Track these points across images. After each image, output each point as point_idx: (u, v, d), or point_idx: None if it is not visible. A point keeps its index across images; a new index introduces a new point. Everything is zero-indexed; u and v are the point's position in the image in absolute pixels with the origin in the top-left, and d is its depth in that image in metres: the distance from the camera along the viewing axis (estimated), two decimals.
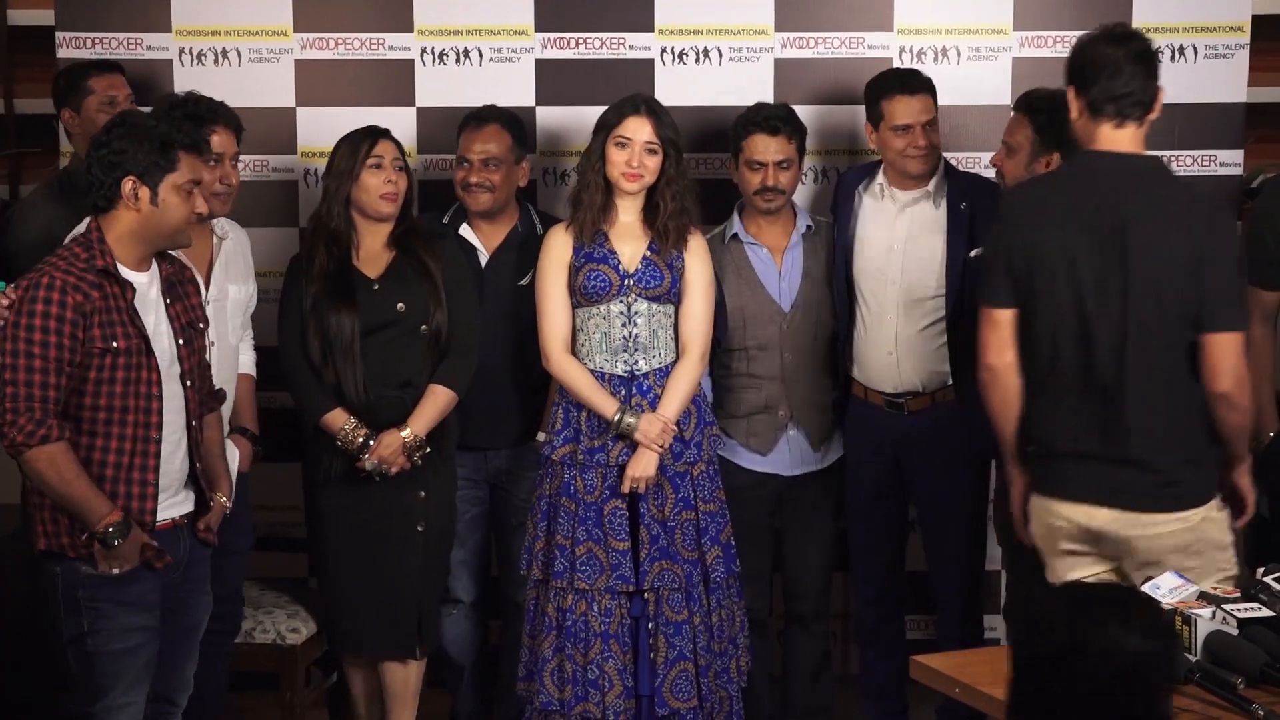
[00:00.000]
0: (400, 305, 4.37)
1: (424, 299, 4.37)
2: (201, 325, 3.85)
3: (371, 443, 4.32)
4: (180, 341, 3.74)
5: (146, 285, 3.70)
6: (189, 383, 3.75)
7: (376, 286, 4.38)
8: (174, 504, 3.77)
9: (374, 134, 4.39)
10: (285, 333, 4.40)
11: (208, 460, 3.91)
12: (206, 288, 4.18)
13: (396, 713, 4.57)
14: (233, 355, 4.31)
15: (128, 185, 3.61)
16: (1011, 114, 4.33)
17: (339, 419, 4.34)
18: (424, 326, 4.38)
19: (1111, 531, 3.69)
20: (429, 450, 4.37)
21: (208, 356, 3.97)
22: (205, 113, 4.14)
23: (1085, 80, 3.66)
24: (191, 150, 3.65)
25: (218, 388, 4.03)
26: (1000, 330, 3.74)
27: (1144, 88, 3.64)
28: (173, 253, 3.95)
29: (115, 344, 3.58)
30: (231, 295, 4.29)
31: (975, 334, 3.85)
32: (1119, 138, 3.65)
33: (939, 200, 4.56)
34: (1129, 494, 3.65)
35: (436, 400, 4.38)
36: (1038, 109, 4.22)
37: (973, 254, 4.49)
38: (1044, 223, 3.67)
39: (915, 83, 4.53)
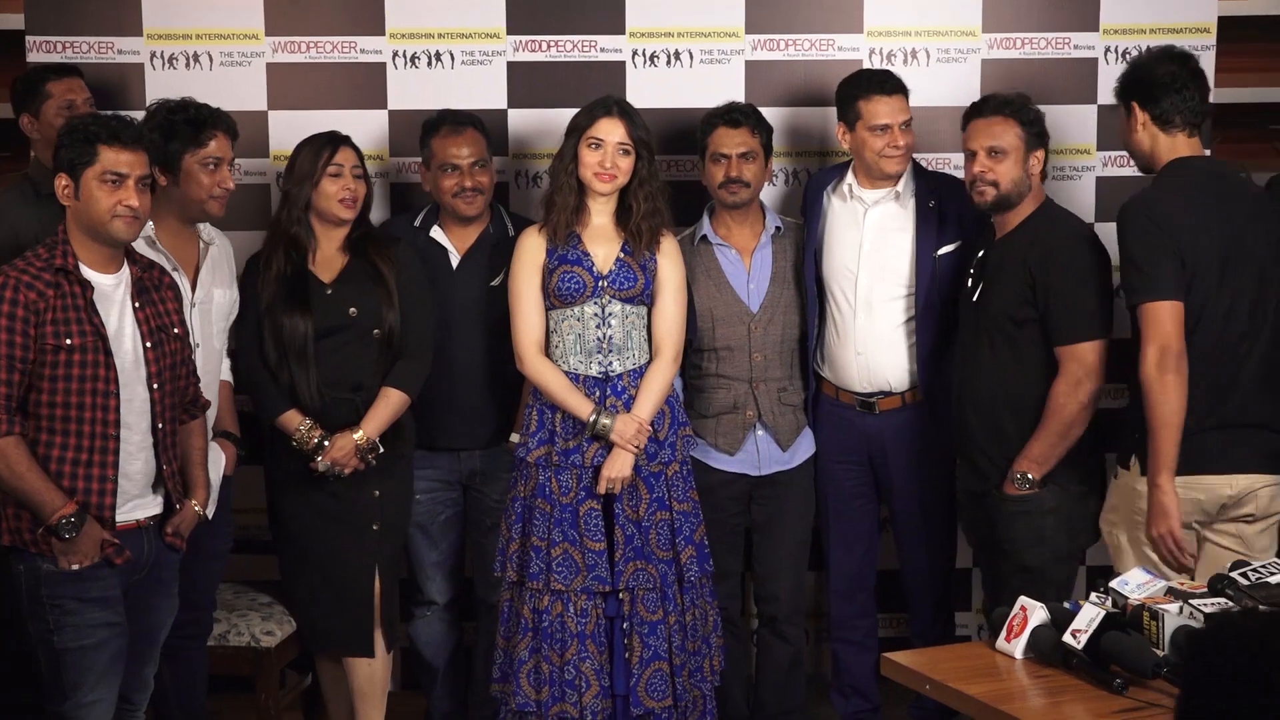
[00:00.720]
0: (353, 310, 4.42)
1: (376, 303, 4.42)
2: (176, 330, 3.86)
3: (326, 444, 4.35)
4: (148, 344, 3.76)
5: (112, 286, 3.74)
6: (156, 385, 3.77)
7: (330, 291, 4.43)
8: (139, 505, 3.80)
9: (335, 141, 4.43)
10: (243, 335, 4.44)
11: (185, 466, 3.94)
12: (193, 290, 4.21)
13: (363, 711, 4.60)
14: (217, 359, 4.34)
15: (60, 182, 3.70)
16: (979, 121, 4.27)
17: (294, 420, 4.39)
18: (376, 330, 4.42)
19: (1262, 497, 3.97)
20: (383, 451, 4.41)
21: (194, 359, 4.00)
22: (206, 117, 4.18)
23: (1152, 95, 4.01)
24: (112, 142, 3.68)
25: (204, 397, 4.06)
26: (1178, 318, 3.87)
27: (1204, 100, 4.06)
28: (156, 254, 3.99)
29: (69, 341, 3.63)
30: (216, 299, 4.32)
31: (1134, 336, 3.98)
32: (1194, 144, 4.05)
33: (906, 200, 4.59)
34: None
35: (389, 402, 4.42)
36: (1019, 107, 4.25)
37: (940, 252, 4.52)
38: (1196, 219, 3.90)
39: (892, 83, 4.56)
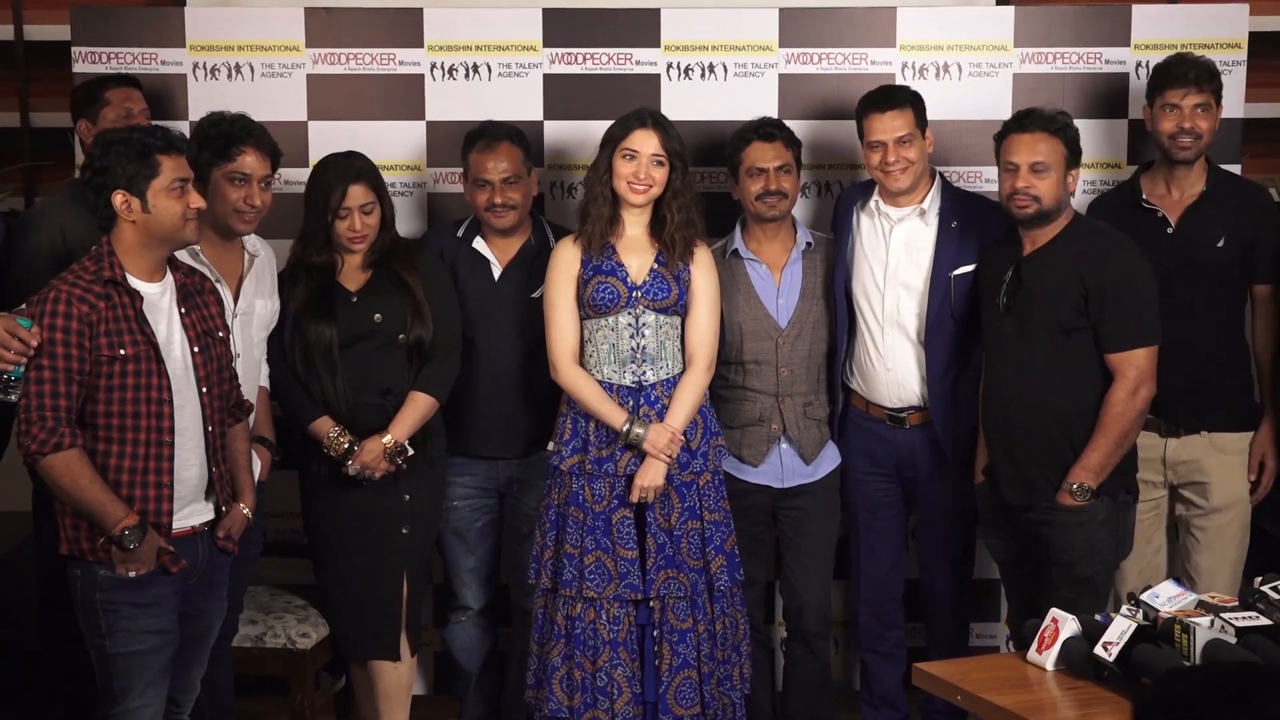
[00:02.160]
0: (378, 316, 4.47)
1: (401, 310, 4.47)
2: (220, 334, 3.92)
3: (355, 449, 4.41)
4: (195, 349, 3.82)
5: (158, 295, 3.79)
6: (205, 390, 3.83)
7: (355, 299, 4.49)
8: (192, 512, 3.85)
9: (344, 179, 4.44)
10: (274, 344, 4.49)
11: (233, 470, 4.00)
12: (235, 301, 4.26)
13: (388, 714, 4.64)
14: (256, 368, 4.39)
15: (119, 199, 3.71)
16: (1024, 136, 4.29)
17: (324, 426, 4.45)
18: (401, 336, 4.47)
19: None
20: (412, 454, 4.46)
21: (234, 366, 4.05)
22: (237, 132, 4.21)
23: None
24: (169, 151, 3.72)
25: (245, 399, 4.11)
26: None
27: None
28: (199, 266, 4.04)
29: (122, 351, 3.68)
30: (258, 310, 4.37)
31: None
32: None
33: (931, 218, 4.62)
34: None
35: (416, 406, 4.48)
36: (1061, 125, 4.30)
37: (957, 272, 4.56)
38: None
39: (888, 99, 4.57)
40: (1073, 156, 4.28)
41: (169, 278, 3.83)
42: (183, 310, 3.82)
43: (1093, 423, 4.18)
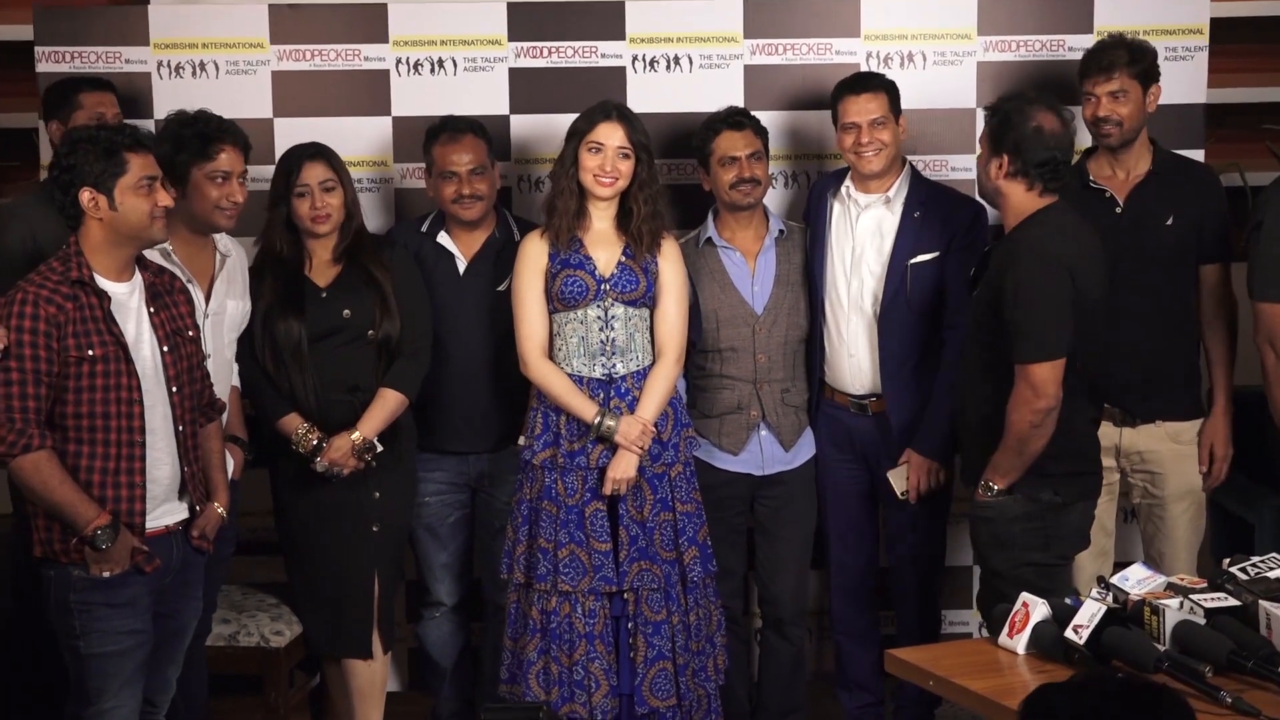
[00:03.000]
0: (347, 312, 4.48)
1: (370, 306, 4.47)
2: (190, 334, 3.91)
3: (324, 445, 4.40)
4: (165, 349, 3.81)
5: (127, 294, 3.78)
6: (175, 389, 3.82)
7: (324, 295, 4.49)
8: (166, 511, 3.84)
9: (301, 157, 4.48)
10: (243, 340, 4.48)
11: (207, 469, 3.99)
12: (207, 301, 4.26)
13: (362, 712, 4.65)
14: (228, 368, 4.39)
15: (86, 197, 3.70)
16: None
17: (293, 423, 4.45)
18: (371, 332, 4.47)
19: None
20: (381, 451, 4.46)
21: (206, 366, 4.05)
22: (214, 131, 4.21)
23: None
24: (136, 149, 3.72)
25: (218, 399, 4.11)
26: None
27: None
28: (170, 265, 4.03)
29: (91, 352, 3.67)
30: (229, 310, 4.37)
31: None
32: None
33: (896, 206, 4.64)
34: None
35: (385, 403, 4.48)
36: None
37: (913, 261, 4.57)
38: None
39: (864, 83, 4.62)
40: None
41: (138, 277, 3.82)
42: (151, 310, 3.81)
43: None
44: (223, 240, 4.38)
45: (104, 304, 3.71)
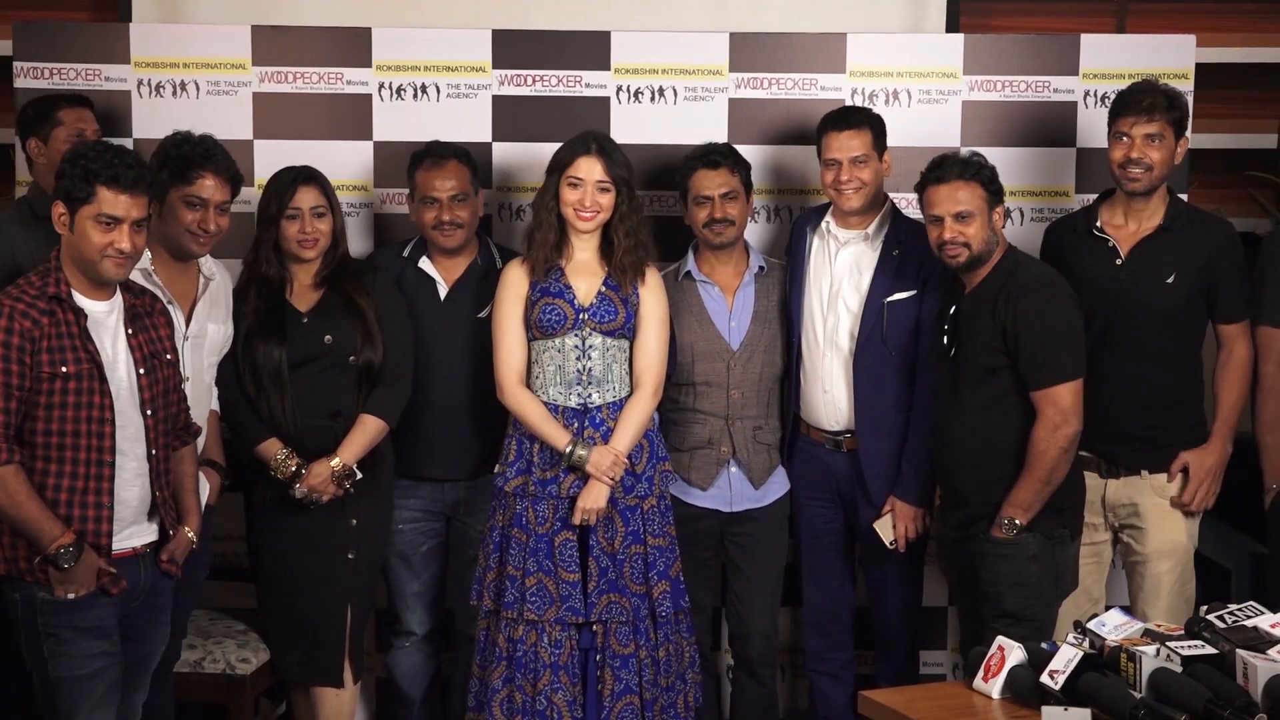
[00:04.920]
0: (328, 338, 4.45)
1: (352, 332, 4.45)
2: (169, 356, 3.88)
3: (303, 471, 4.36)
4: (141, 371, 3.78)
5: (105, 313, 3.75)
6: (150, 412, 3.78)
7: (305, 320, 4.47)
8: (134, 533, 3.81)
9: (295, 180, 4.46)
10: (223, 365, 4.45)
11: (179, 493, 3.96)
12: (187, 324, 4.23)
13: None
14: (207, 392, 4.36)
15: (56, 209, 3.71)
16: (941, 188, 4.25)
17: (272, 448, 4.42)
18: (352, 358, 4.45)
19: None
20: (360, 478, 4.43)
21: (184, 389, 4.02)
22: (197, 156, 4.18)
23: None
24: (111, 185, 3.67)
25: (195, 424, 4.08)
26: None
27: None
28: (151, 287, 4.00)
29: (64, 369, 3.64)
30: (210, 334, 4.34)
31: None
32: None
33: (875, 243, 4.63)
34: None
35: (366, 429, 4.45)
36: (977, 168, 4.27)
37: (890, 299, 4.56)
38: None
39: (848, 119, 4.60)
40: (994, 196, 4.26)
41: (118, 297, 3.79)
42: (130, 331, 3.79)
43: (1021, 459, 4.17)
44: (207, 263, 4.35)
45: (80, 321, 3.69)
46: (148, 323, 3.85)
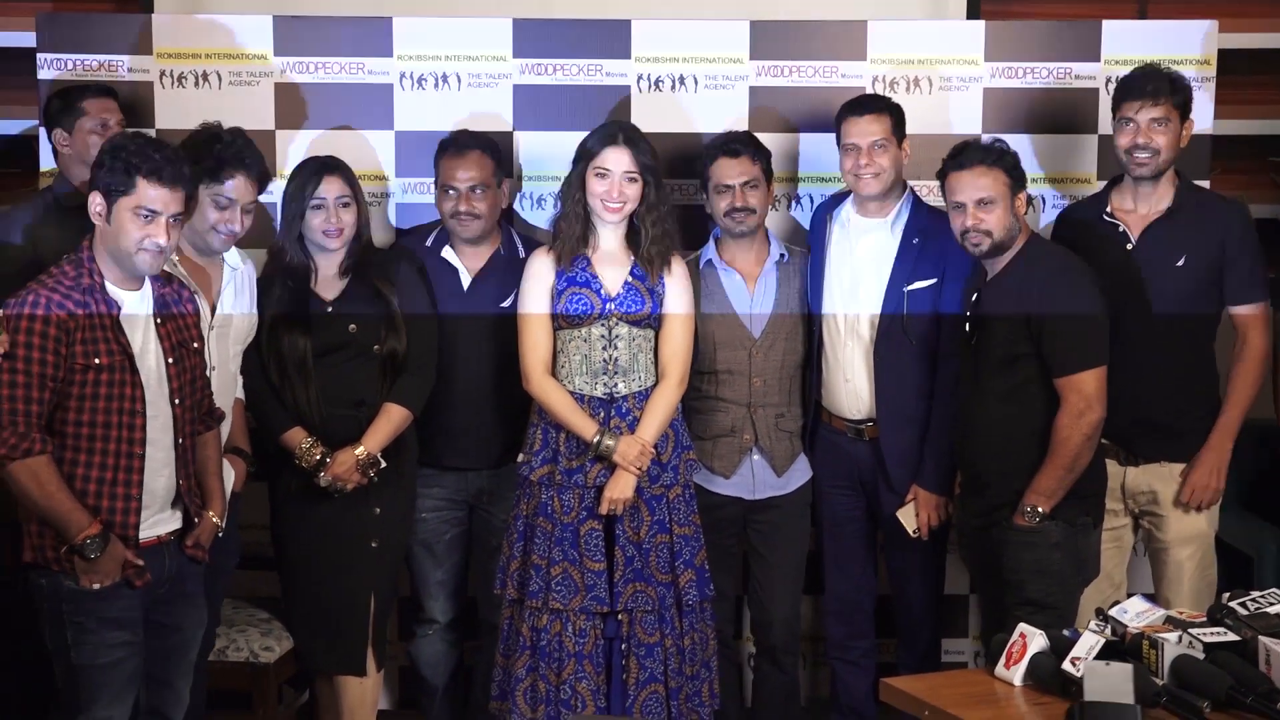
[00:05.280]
0: (352, 327, 4.47)
1: (377, 321, 4.47)
2: (195, 345, 3.91)
3: (328, 460, 4.37)
4: (170, 360, 3.81)
5: (136, 304, 3.78)
6: (177, 401, 3.81)
7: (330, 309, 4.48)
8: (159, 521, 3.83)
9: (320, 171, 4.48)
10: (248, 354, 4.47)
11: (203, 478, 3.98)
12: (212, 313, 4.26)
13: None
14: (232, 381, 4.38)
15: (94, 200, 3.73)
16: (963, 174, 4.25)
17: (297, 437, 4.43)
18: (376, 347, 4.46)
19: None
20: (385, 467, 4.44)
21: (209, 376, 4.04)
22: (230, 157, 4.21)
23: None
24: (151, 178, 3.69)
25: (217, 408, 4.10)
26: None
27: None
28: (175, 274, 4.02)
29: (97, 360, 3.67)
30: (235, 324, 4.36)
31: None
32: None
33: (896, 231, 4.63)
34: None
35: (390, 418, 4.46)
36: (999, 154, 4.26)
37: (910, 287, 4.56)
38: None
39: (867, 105, 4.60)
40: (1016, 183, 4.26)
41: (148, 286, 3.83)
42: (159, 321, 3.82)
43: (1044, 446, 4.17)
44: (232, 253, 4.37)
45: (113, 312, 3.72)
46: (176, 311, 3.88)
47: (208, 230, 4.22)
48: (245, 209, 4.25)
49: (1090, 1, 5.50)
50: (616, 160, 4.33)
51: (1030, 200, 4.50)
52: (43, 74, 4.93)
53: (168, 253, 3.78)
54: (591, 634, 4.33)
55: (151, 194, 3.70)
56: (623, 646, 4.35)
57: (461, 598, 4.87)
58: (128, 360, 3.71)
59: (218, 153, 4.21)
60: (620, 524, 4.35)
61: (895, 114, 4.61)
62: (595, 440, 4.31)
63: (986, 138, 4.39)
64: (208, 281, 4.29)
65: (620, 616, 4.34)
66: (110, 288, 3.74)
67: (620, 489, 4.31)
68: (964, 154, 4.27)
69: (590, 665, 4.32)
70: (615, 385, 4.37)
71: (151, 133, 4.66)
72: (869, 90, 4.98)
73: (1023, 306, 4.16)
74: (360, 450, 4.42)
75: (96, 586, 3.69)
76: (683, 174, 4.92)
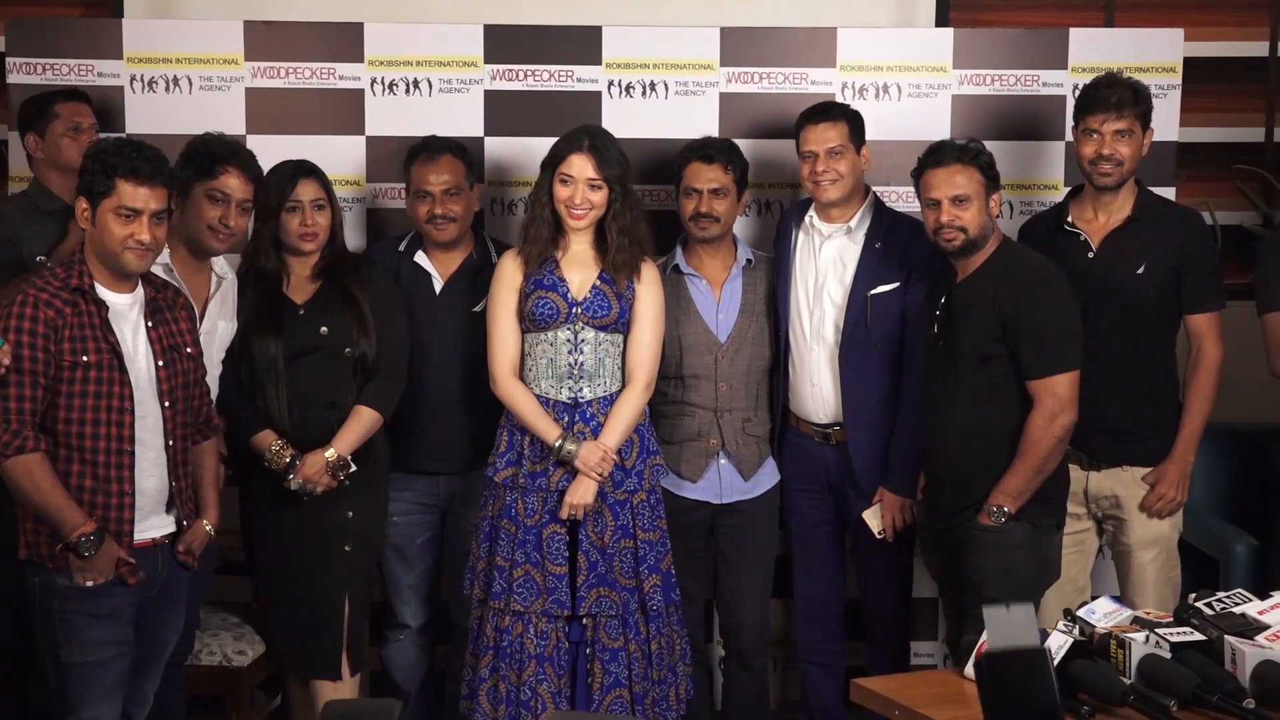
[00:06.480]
0: (324, 329, 4.47)
1: (348, 324, 4.47)
2: (189, 350, 3.94)
3: (298, 463, 4.38)
4: (160, 363, 3.84)
5: (127, 305, 3.82)
6: (168, 404, 3.84)
7: (302, 312, 4.49)
8: (153, 524, 3.86)
9: (295, 174, 4.49)
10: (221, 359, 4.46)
11: (199, 486, 4.03)
12: (200, 321, 4.26)
13: None
14: (214, 386, 4.37)
15: (80, 205, 3.77)
16: (940, 171, 4.26)
17: (267, 439, 4.43)
18: (348, 350, 4.47)
19: None
20: (355, 470, 4.45)
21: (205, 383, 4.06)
22: (223, 152, 4.26)
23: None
24: (129, 177, 3.73)
25: (216, 418, 4.14)
26: None
27: None
28: (170, 280, 4.05)
29: (85, 358, 3.70)
30: (220, 331, 4.39)
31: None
32: None
33: (858, 236, 4.65)
34: None
35: (360, 420, 4.46)
36: (975, 153, 4.29)
37: (873, 291, 4.58)
38: None
39: (824, 112, 4.63)
40: (991, 182, 4.28)
41: (139, 290, 3.86)
42: (150, 324, 3.85)
43: (1013, 448, 4.19)
44: (219, 263, 4.40)
45: (102, 312, 3.75)
46: (168, 316, 3.91)
47: (203, 230, 4.24)
48: (241, 206, 4.28)
49: (1058, 9, 5.56)
50: (581, 167, 4.33)
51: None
52: (12, 79, 4.93)
53: (154, 251, 3.80)
54: (553, 636, 4.33)
55: (130, 192, 3.73)
56: (587, 651, 4.36)
57: (434, 602, 4.87)
58: (116, 359, 3.75)
59: (211, 150, 4.25)
60: (584, 529, 4.35)
61: (853, 120, 4.63)
62: (557, 444, 4.31)
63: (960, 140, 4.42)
64: (197, 289, 4.31)
65: (585, 621, 4.35)
66: (100, 289, 3.77)
67: (580, 494, 4.31)
68: (940, 152, 4.29)
69: (551, 668, 4.32)
70: (580, 390, 4.37)
71: (122, 138, 4.66)
72: (839, 97, 5.01)
73: (1000, 307, 4.18)
74: (330, 452, 4.42)
75: (91, 584, 3.71)
76: (654, 180, 4.95)
